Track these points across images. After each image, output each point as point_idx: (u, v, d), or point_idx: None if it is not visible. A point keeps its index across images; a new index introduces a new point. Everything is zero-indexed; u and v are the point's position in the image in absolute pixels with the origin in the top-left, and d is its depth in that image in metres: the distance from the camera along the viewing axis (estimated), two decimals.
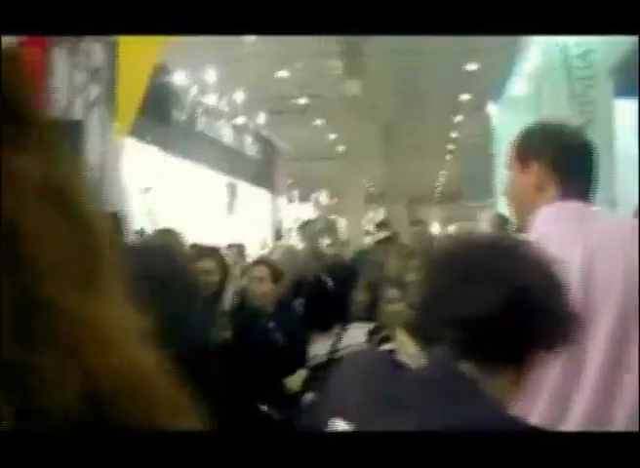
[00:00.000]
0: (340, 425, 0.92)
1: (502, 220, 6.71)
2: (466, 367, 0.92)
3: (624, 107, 5.76)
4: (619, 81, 5.63)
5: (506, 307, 0.91)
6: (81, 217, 0.37)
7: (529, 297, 0.93)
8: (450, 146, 19.45)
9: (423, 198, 22.82)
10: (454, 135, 18.25)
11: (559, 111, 6.18)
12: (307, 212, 17.51)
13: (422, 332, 1.00)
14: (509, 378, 0.96)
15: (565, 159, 1.52)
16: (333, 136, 17.93)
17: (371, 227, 13.52)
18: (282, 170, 16.77)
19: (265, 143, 15.88)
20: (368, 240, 10.39)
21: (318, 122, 17.22)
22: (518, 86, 8.80)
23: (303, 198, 18.82)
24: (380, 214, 17.39)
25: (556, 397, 1.28)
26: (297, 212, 17.04)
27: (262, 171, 15.55)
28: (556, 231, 1.40)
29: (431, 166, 21.11)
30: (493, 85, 10.37)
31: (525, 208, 1.52)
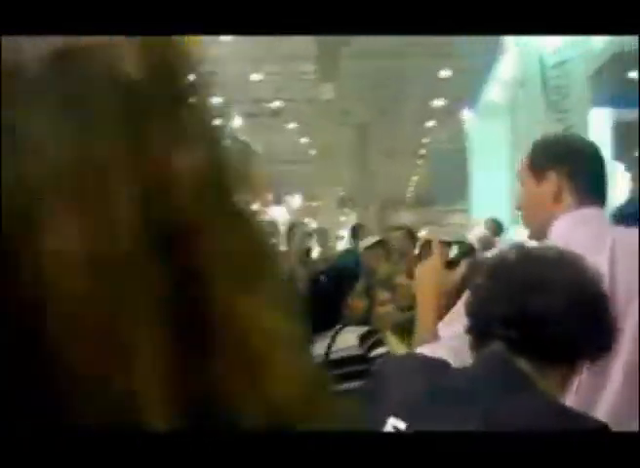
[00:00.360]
0: (396, 424, 0.96)
1: (496, 225, 6.83)
2: (520, 362, 0.99)
3: (600, 116, 5.91)
4: (594, 90, 5.76)
5: (561, 313, 0.98)
6: (244, 216, 0.35)
7: (584, 305, 0.99)
8: (422, 151, 19.63)
9: (396, 202, 22.98)
10: (426, 140, 18.44)
11: (535, 119, 6.31)
12: (281, 215, 17.53)
13: (478, 330, 1.04)
14: (557, 379, 1.02)
15: (582, 168, 1.57)
16: (305, 140, 17.96)
17: (343, 232, 13.55)
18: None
19: (239, 146, 15.82)
20: (342, 243, 10.42)
21: (291, 126, 17.24)
22: (494, 93, 8.94)
23: (276, 201, 18.84)
24: (352, 218, 17.44)
25: (581, 399, 1.33)
26: (270, 214, 17.06)
27: None
28: (579, 238, 1.43)
29: (404, 170, 21.28)
30: (467, 91, 10.52)
31: (541, 217, 1.57)
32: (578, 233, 1.47)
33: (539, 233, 1.57)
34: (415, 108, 15.29)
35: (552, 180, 1.55)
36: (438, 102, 15.06)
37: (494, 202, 8.31)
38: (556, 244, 1.32)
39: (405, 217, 21.78)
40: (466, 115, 10.69)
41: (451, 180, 12.48)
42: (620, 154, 6.71)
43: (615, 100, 6.75)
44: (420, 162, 20.46)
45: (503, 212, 7.24)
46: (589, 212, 1.53)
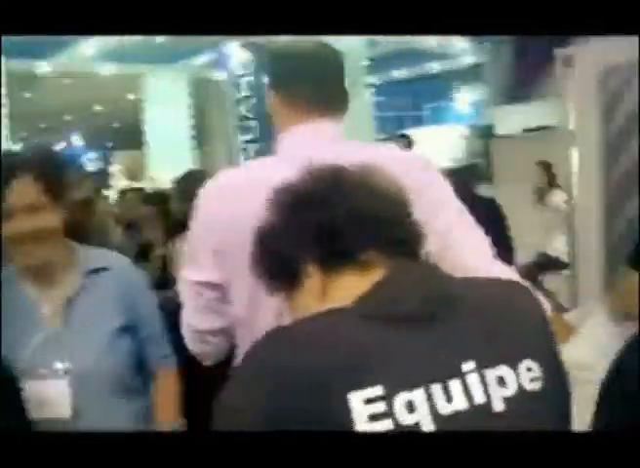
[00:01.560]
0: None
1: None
2: None
3: None
4: None
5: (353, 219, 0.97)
6: None
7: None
8: None
9: None
10: None
11: None
12: None
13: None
14: None
15: (301, 79, 1.47)
16: None
17: None
18: None
19: None
20: None
21: None
22: None
23: None
24: None
25: None
26: None
27: None
28: (312, 151, 1.20)
29: None
30: None
31: (278, 129, 1.49)
32: (308, 147, 1.36)
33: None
34: None
35: (279, 93, 1.48)
36: None
37: None
38: (291, 157, 1.26)
39: None
40: None
41: None
42: None
43: None
44: None
45: None
46: (319, 125, 1.44)
